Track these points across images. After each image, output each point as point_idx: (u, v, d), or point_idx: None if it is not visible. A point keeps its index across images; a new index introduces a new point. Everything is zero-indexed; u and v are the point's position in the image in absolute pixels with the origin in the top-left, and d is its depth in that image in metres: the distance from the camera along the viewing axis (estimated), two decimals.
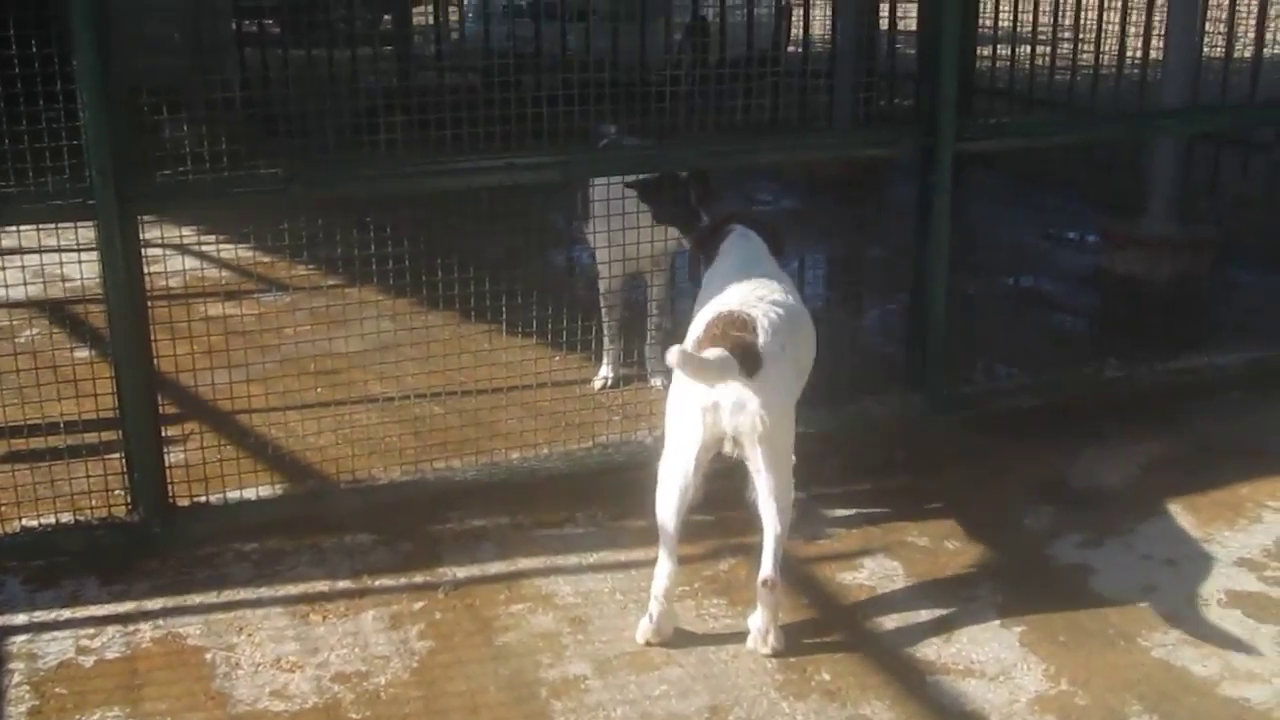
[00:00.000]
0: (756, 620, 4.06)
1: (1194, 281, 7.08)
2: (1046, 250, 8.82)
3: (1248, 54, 9.27)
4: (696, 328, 4.24)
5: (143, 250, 4.49)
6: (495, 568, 4.57)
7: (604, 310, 6.08)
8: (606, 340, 6.09)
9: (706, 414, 3.98)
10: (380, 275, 5.32)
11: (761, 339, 4.01)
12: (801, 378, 4.31)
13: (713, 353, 3.90)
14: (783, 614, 4.14)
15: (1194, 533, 4.86)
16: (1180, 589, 4.46)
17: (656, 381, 5.95)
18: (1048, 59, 10.92)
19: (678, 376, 4.02)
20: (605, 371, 6.13)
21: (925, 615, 4.30)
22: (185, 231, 5.82)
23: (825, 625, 4.26)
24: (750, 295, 4.22)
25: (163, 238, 5.72)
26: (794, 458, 4.19)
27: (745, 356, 3.91)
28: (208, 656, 4.05)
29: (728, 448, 4.07)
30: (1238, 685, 3.92)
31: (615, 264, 5.66)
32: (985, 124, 6.30)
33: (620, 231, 5.49)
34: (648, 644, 4.09)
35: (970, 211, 8.03)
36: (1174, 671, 4.00)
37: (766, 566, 3.98)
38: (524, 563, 4.59)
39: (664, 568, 4.07)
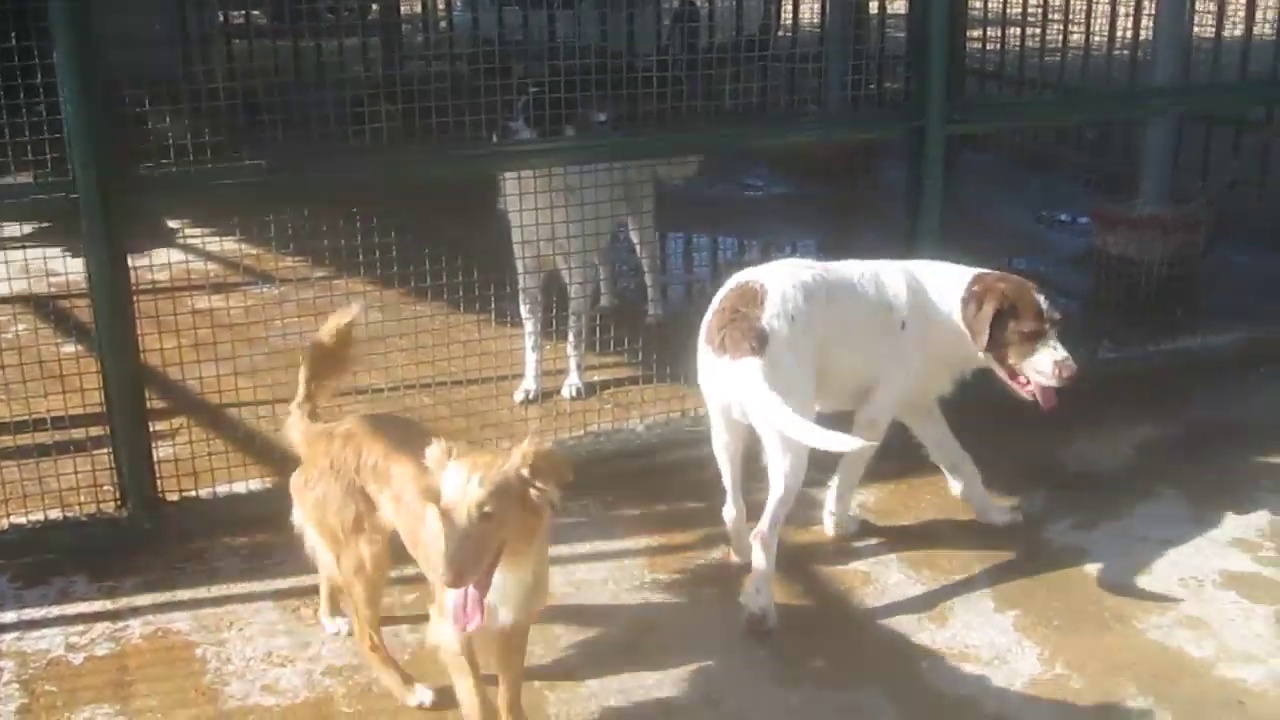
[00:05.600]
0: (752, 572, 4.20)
1: (1186, 262, 7.05)
2: (1039, 232, 8.80)
3: (1238, 33, 9.24)
4: (717, 296, 4.33)
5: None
6: None
7: (523, 312, 5.81)
8: (528, 347, 5.84)
9: (709, 384, 4.21)
10: (368, 266, 5.29)
11: (767, 313, 4.08)
12: (826, 343, 4.27)
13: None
14: (777, 598, 4.14)
15: (1188, 514, 4.84)
16: (1175, 571, 4.44)
17: (569, 393, 5.83)
18: (1038, 40, 10.88)
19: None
20: (528, 384, 5.84)
21: (919, 601, 4.28)
22: (171, 224, 5.78)
23: (819, 612, 4.25)
24: (784, 267, 4.34)
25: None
26: (813, 429, 4.08)
27: (744, 338, 4.05)
28: (198, 652, 4.03)
29: (736, 414, 4.21)
30: (1234, 666, 3.91)
31: (530, 260, 5.54)
32: (974, 106, 6.26)
33: (534, 227, 5.35)
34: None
35: (963, 194, 8.02)
36: (1169, 653, 3.98)
37: (760, 523, 4.14)
38: None
39: (727, 511, 4.47)
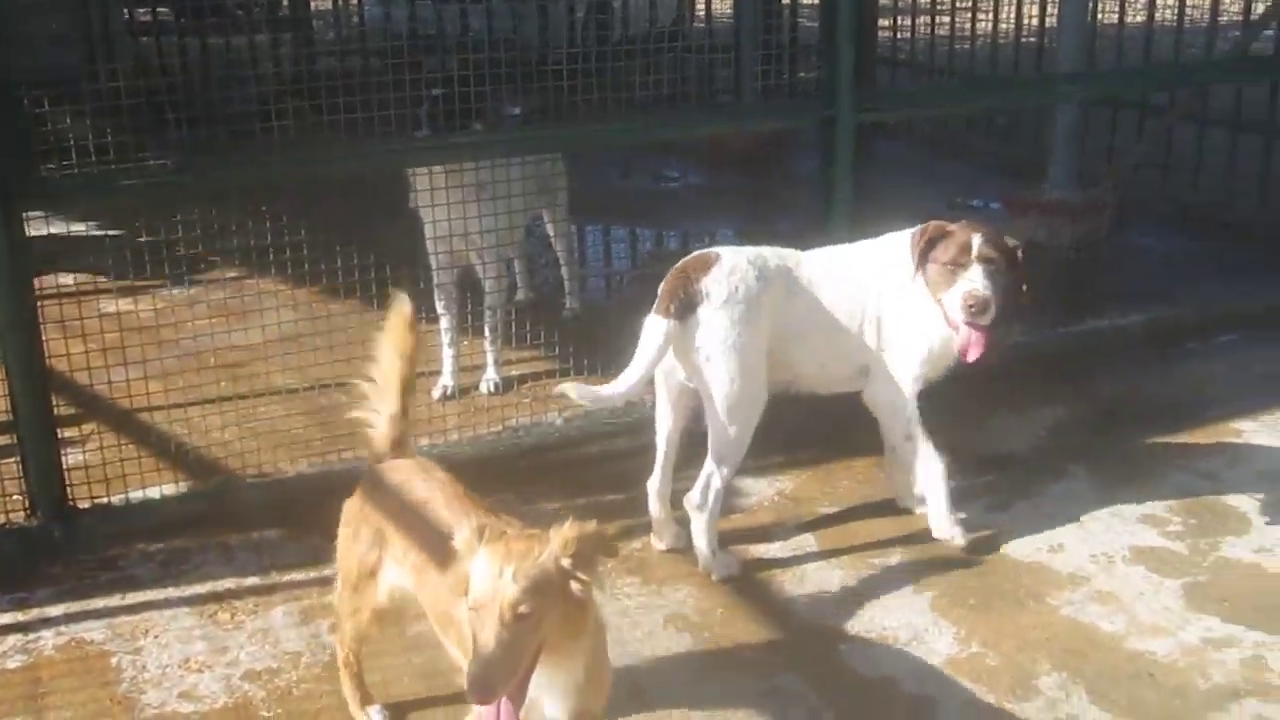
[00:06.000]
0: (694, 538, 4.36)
1: (1093, 245, 7.19)
2: (952, 218, 8.89)
3: (1140, 20, 9.43)
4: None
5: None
6: None
7: (438, 308, 5.76)
8: (444, 343, 5.81)
9: (658, 340, 4.23)
10: (280, 265, 5.23)
11: (710, 278, 4.18)
12: (774, 339, 4.32)
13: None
14: (695, 587, 4.18)
15: (1099, 492, 4.94)
16: (1086, 548, 4.53)
17: (487, 388, 5.82)
18: (948, 29, 11.03)
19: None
20: (445, 380, 5.82)
21: (837, 585, 4.33)
22: (76, 227, 5.67)
23: (740, 599, 4.27)
24: (753, 249, 4.40)
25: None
26: (757, 407, 4.25)
27: (678, 302, 4.17)
28: (113, 661, 3.97)
29: (676, 377, 4.33)
30: (1143, 639, 4.00)
31: (443, 255, 5.51)
32: (883, 94, 6.32)
33: (446, 222, 5.32)
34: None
35: (876, 182, 8.11)
36: (1081, 629, 4.06)
37: (693, 490, 4.30)
38: None
39: (651, 482, 4.51)
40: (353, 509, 3.49)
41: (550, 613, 2.65)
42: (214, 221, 5.23)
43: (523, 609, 2.58)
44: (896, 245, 4.47)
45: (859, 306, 4.44)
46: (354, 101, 5.18)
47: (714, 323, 4.18)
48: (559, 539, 2.68)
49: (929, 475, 4.53)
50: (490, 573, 2.62)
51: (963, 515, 4.58)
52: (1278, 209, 7.79)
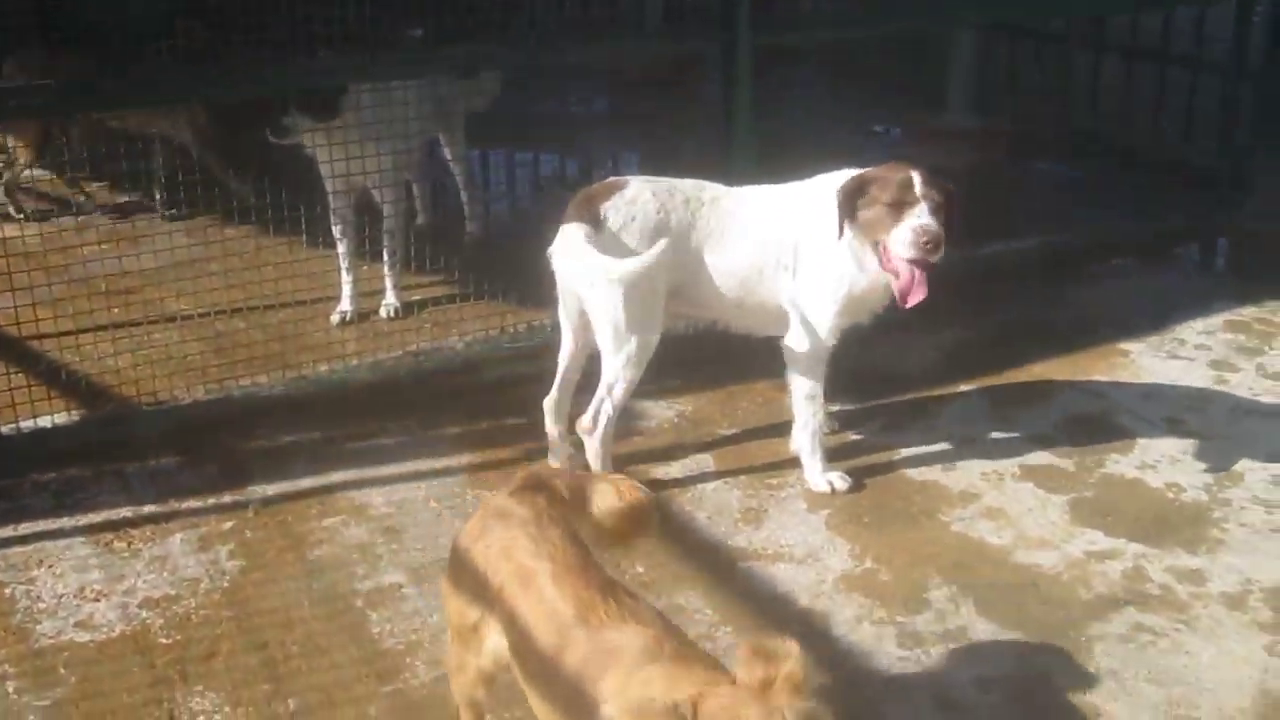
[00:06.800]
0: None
1: (991, 171, 7.28)
2: (856, 144, 8.96)
3: None
4: None
5: None
6: (306, 482, 4.50)
7: (335, 233, 5.69)
8: (343, 268, 5.74)
9: (554, 263, 4.26)
10: (172, 190, 5.12)
11: (608, 207, 4.18)
12: (678, 273, 4.28)
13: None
14: None
15: (991, 412, 5.06)
16: (978, 466, 4.64)
17: (386, 313, 5.79)
18: None
19: None
20: (344, 305, 5.76)
21: (735, 505, 4.40)
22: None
23: None
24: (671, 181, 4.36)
25: None
26: (649, 337, 4.24)
27: (575, 213, 4.19)
28: (6, 591, 3.91)
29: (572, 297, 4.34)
30: (1030, 552, 4.12)
31: (338, 180, 5.41)
32: (780, 17, 6.30)
33: (342, 145, 5.25)
34: None
35: (780, 108, 8.12)
36: (971, 543, 4.18)
37: (585, 415, 4.33)
38: (336, 476, 4.53)
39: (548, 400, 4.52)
40: (459, 548, 2.95)
41: None
42: (102, 146, 5.09)
43: None
44: (818, 190, 4.34)
45: (775, 249, 4.33)
46: (250, 22, 5.07)
47: (606, 246, 4.16)
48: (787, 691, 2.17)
49: (806, 433, 4.49)
50: None
51: (857, 436, 4.66)
52: (1172, 136, 7.94)
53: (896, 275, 4.13)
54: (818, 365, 4.42)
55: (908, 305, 4.14)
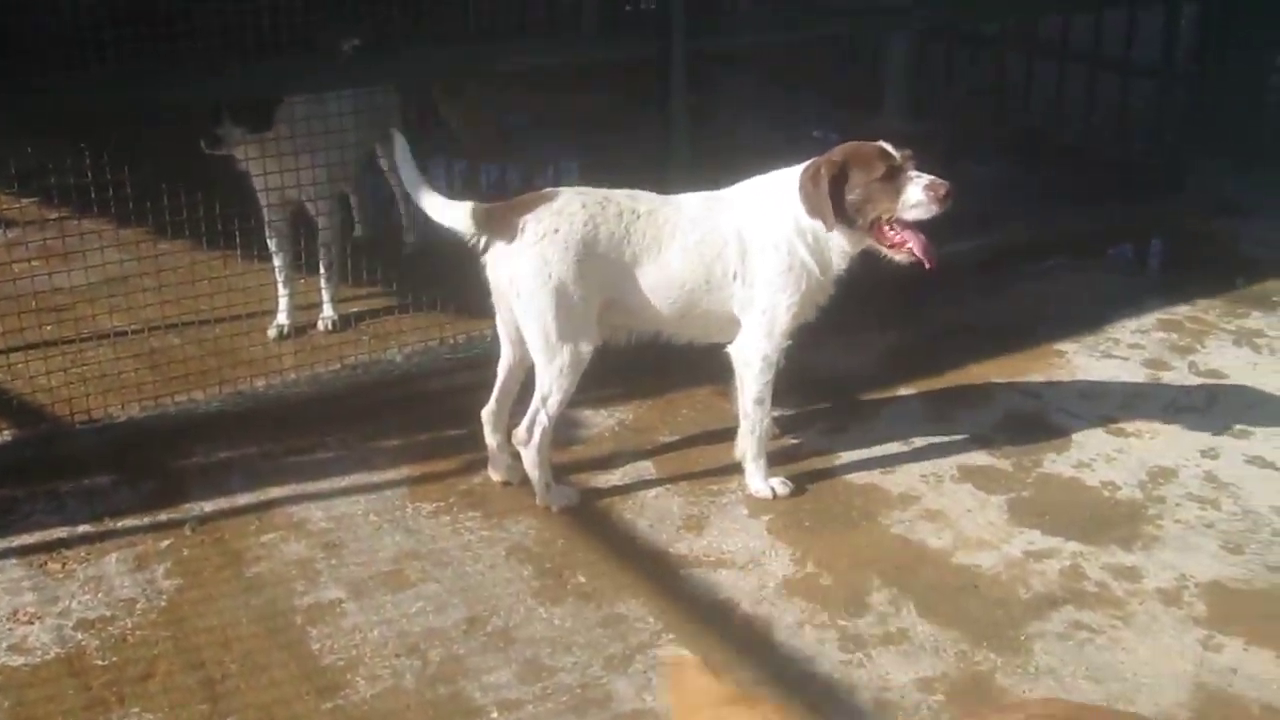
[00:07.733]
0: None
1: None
2: (792, 148, 8.97)
3: None
4: None
5: None
6: (244, 499, 4.45)
7: (270, 246, 5.63)
8: (279, 282, 5.67)
9: (487, 273, 4.26)
10: (103, 204, 5.05)
11: (531, 218, 4.13)
12: (612, 285, 4.24)
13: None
14: (536, 517, 4.25)
15: (930, 413, 5.10)
16: (917, 468, 4.68)
17: (324, 326, 5.74)
18: None
19: None
20: (280, 319, 5.68)
21: (677, 512, 4.40)
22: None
23: (580, 529, 4.31)
24: (606, 193, 4.29)
25: None
26: (581, 348, 4.20)
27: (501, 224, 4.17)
28: None
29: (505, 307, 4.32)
30: (970, 553, 4.16)
31: (273, 193, 5.35)
32: (714, 23, 6.33)
33: (276, 158, 5.20)
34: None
35: (717, 113, 8.14)
36: (911, 546, 4.20)
37: (520, 426, 4.33)
38: (274, 491, 4.49)
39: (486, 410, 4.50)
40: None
41: None
42: (31, 159, 5.00)
43: None
44: (760, 192, 4.35)
45: (720, 256, 4.27)
46: (186, 30, 5.01)
47: (526, 258, 4.13)
48: None
49: (753, 438, 4.48)
50: None
51: (796, 440, 4.68)
52: (1104, 136, 8.04)
53: (902, 245, 4.23)
54: (769, 369, 4.40)
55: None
